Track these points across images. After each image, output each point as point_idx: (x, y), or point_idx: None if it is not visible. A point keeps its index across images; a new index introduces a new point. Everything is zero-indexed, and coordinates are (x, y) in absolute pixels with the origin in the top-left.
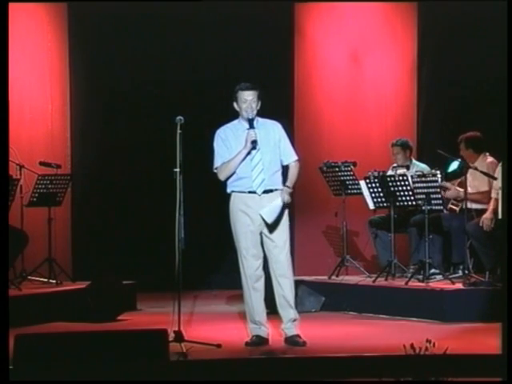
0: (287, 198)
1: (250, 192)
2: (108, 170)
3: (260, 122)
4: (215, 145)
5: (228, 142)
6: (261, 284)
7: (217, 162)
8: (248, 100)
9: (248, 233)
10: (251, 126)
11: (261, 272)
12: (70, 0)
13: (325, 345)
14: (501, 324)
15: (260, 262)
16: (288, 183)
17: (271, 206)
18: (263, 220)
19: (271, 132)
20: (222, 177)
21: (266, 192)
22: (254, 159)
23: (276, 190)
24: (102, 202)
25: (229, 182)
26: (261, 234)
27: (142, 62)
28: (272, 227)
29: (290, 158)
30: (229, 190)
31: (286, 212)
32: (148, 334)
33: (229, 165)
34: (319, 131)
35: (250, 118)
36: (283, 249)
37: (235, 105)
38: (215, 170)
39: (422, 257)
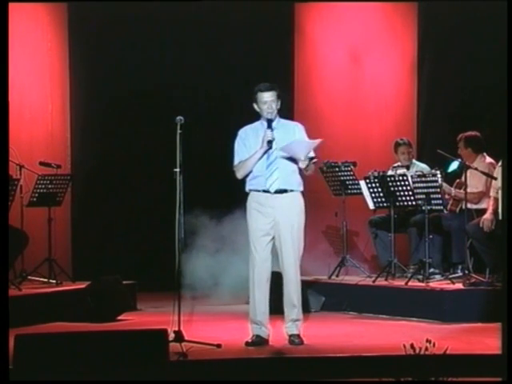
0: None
1: (264, 191)
2: (108, 170)
3: (281, 122)
4: (235, 144)
5: (248, 141)
6: (266, 284)
7: (235, 161)
8: (268, 101)
9: (259, 231)
10: (269, 126)
11: (268, 272)
12: (70, 0)
13: (325, 345)
14: (501, 324)
15: (268, 262)
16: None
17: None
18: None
19: (291, 132)
20: (239, 175)
21: (279, 192)
22: (269, 158)
23: (292, 190)
24: (102, 201)
25: (247, 180)
26: (274, 234)
27: (141, 62)
28: (286, 228)
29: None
30: (247, 189)
31: (301, 213)
32: (148, 333)
33: (245, 164)
34: (319, 131)
35: (269, 118)
36: (293, 250)
37: (255, 106)
38: (234, 169)
39: (421, 257)
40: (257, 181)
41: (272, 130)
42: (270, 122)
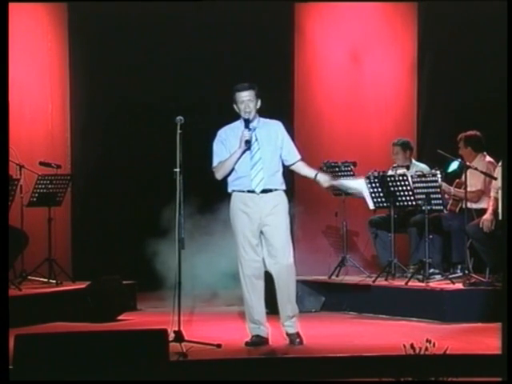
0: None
1: (249, 191)
2: (108, 170)
3: (262, 121)
4: (214, 144)
5: (228, 142)
6: (260, 283)
7: (214, 162)
8: (245, 100)
9: (247, 232)
10: (246, 126)
11: (260, 271)
12: (70, 0)
13: (325, 345)
14: (501, 324)
15: (259, 261)
16: (313, 170)
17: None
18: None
19: (273, 132)
20: (218, 176)
21: (264, 191)
22: (253, 158)
23: (276, 189)
24: (101, 202)
25: (229, 181)
26: (260, 233)
27: (142, 62)
28: (272, 227)
29: (295, 157)
30: (229, 190)
31: (287, 211)
32: (148, 333)
33: (224, 164)
34: (319, 131)
35: (246, 118)
36: (282, 248)
37: (235, 106)
38: (213, 170)
39: (421, 257)
40: (241, 181)
41: (249, 129)
42: (246, 121)
